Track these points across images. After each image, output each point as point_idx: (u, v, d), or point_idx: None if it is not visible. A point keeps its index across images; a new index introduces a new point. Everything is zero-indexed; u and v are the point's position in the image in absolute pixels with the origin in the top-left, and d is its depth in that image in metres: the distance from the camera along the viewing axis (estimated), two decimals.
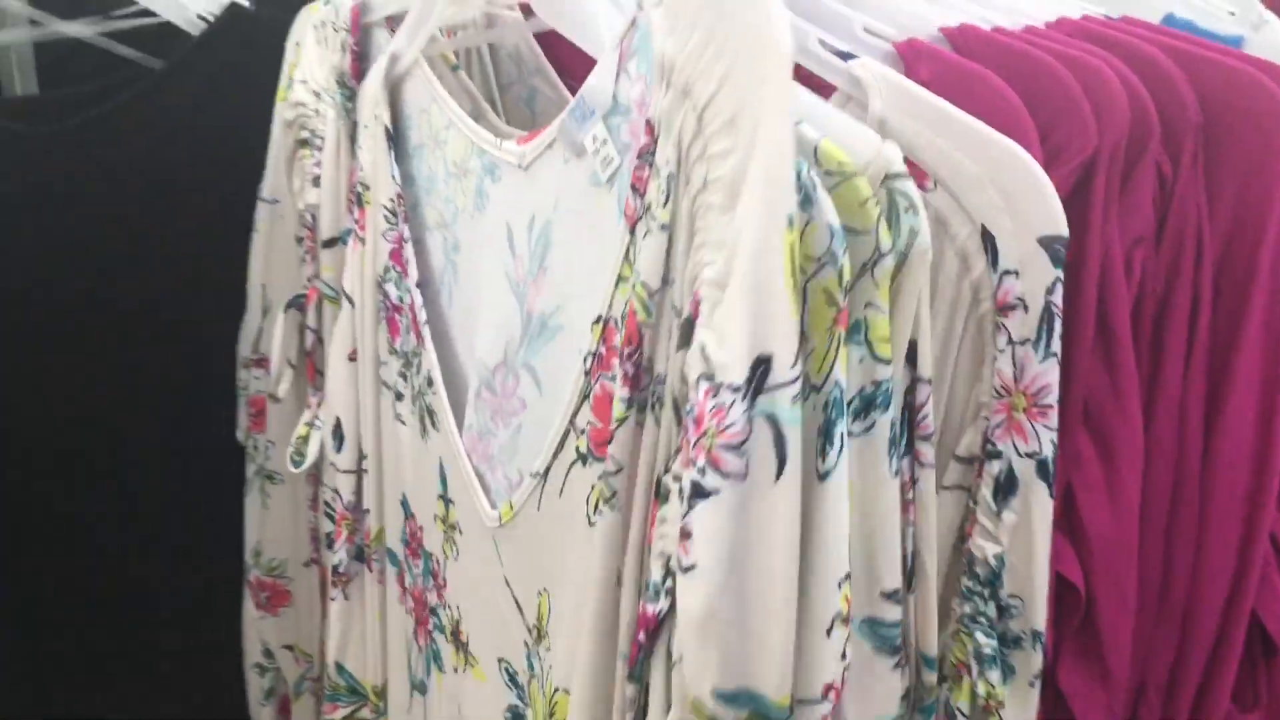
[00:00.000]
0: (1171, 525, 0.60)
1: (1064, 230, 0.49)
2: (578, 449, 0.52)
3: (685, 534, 0.41)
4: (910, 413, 0.47)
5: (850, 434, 0.44)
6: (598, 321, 0.50)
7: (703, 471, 0.40)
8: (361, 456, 0.75)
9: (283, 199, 0.82)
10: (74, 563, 0.93)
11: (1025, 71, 0.55)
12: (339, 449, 0.76)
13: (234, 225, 0.84)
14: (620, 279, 0.48)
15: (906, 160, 0.54)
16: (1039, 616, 0.53)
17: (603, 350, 0.49)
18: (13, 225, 0.83)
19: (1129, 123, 0.54)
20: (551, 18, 0.56)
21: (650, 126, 0.46)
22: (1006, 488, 0.50)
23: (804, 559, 0.42)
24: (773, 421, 0.40)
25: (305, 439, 0.78)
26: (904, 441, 0.47)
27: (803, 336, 0.41)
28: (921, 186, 0.53)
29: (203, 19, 0.84)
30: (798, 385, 0.40)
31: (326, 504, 0.79)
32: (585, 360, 0.51)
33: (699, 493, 0.40)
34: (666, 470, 0.45)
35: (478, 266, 0.62)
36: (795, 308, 0.39)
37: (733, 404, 0.40)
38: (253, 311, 0.87)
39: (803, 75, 0.59)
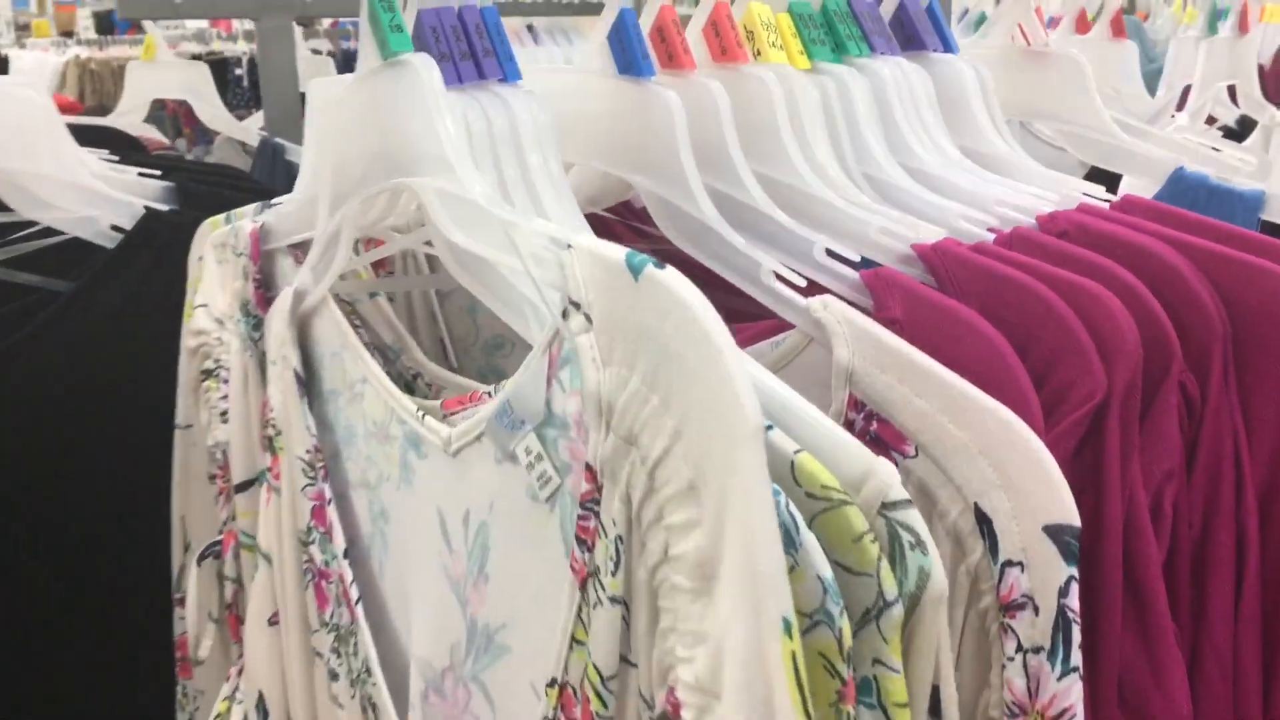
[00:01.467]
0: None
1: (1074, 520, 0.41)
2: None
3: None
4: None
5: None
6: (552, 685, 0.42)
7: None
8: None
9: (196, 425, 0.73)
10: None
11: (1015, 304, 0.48)
12: None
13: (153, 452, 0.76)
14: (575, 641, 0.41)
15: (882, 420, 0.46)
16: None
17: (562, 719, 0.42)
18: None
19: (1141, 356, 0.47)
20: (476, 289, 0.50)
21: (592, 472, 0.40)
22: None
23: None
24: None
25: (225, 715, 0.69)
26: None
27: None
28: (900, 451, 0.46)
29: (118, 230, 0.77)
30: None
31: None
32: None
33: None
34: None
35: (409, 545, 0.54)
36: None
37: None
38: (175, 546, 0.78)
39: (760, 309, 0.52)
